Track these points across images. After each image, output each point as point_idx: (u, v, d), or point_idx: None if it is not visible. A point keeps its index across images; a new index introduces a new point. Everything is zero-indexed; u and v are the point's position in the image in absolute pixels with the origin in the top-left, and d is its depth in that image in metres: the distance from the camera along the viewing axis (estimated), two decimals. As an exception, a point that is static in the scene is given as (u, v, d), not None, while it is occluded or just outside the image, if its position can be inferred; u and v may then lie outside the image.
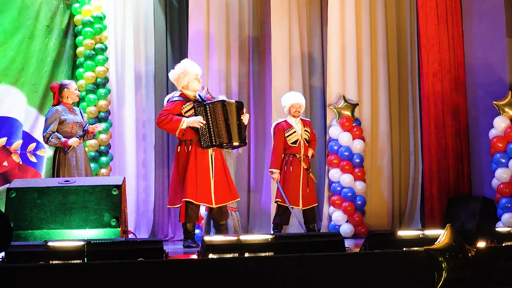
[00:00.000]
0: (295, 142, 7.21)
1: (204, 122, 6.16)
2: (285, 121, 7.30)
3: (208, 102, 6.30)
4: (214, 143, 6.20)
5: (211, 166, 6.25)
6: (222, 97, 6.67)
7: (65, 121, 6.55)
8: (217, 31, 8.47)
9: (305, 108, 8.66)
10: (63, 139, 6.47)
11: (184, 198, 6.15)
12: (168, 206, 6.87)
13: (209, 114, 6.20)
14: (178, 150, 6.31)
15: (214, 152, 6.28)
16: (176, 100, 6.30)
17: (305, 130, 7.30)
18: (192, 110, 6.22)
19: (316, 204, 7.42)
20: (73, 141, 6.49)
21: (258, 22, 8.93)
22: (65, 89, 6.65)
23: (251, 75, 8.83)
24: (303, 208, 7.20)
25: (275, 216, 7.29)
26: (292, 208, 7.03)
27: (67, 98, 6.65)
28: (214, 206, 6.24)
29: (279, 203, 7.17)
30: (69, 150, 6.48)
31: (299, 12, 8.72)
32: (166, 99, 6.47)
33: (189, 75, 6.32)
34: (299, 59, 8.66)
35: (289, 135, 7.21)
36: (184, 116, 6.20)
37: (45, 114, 6.85)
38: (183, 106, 6.25)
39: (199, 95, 6.45)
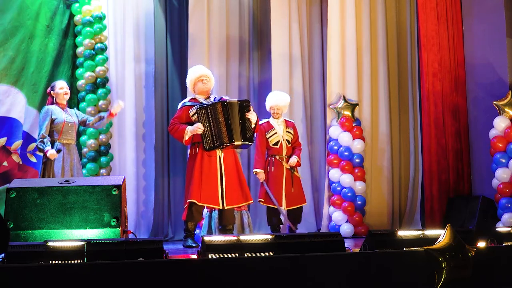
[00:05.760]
0: (276, 144, 7.17)
1: (203, 128, 6.17)
2: (268, 122, 7.25)
3: (209, 103, 6.30)
4: (215, 144, 6.20)
5: (219, 167, 6.26)
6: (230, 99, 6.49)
7: (56, 120, 6.62)
8: (217, 31, 8.47)
9: (306, 108, 8.68)
10: (46, 148, 6.49)
11: (188, 199, 6.20)
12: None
13: (210, 116, 6.20)
14: (188, 152, 6.43)
15: (223, 153, 6.29)
16: (184, 106, 6.39)
17: (288, 132, 7.24)
18: (196, 115, 6.25)
19: (305, 203, 7.35)
20: (50, 154, 6.47)
21: (258, 22, 8.93)
22: (52, 90, 6.80)
23: (251, 75, 8.83)
24: (287, 209, 7.15)
25: (269, 218, 7.24)
26: (281, 208, 7.00)
27: (57, 98, 6.77)
28: (220, 207, 6.24)
29: (263, 203, 7.13)
30: (46, 159, 6.54)
31: (299, 12, 8.73)
32: (179, 105, 6.51)
33: (193, 80, 6.45)
34: (299, 59, 8.66)
35: (270, 136, 7.17)
36: (191, 120, 6.24)
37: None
38: (190, 110, 6.30)
39: (215, 97, 6.46)
